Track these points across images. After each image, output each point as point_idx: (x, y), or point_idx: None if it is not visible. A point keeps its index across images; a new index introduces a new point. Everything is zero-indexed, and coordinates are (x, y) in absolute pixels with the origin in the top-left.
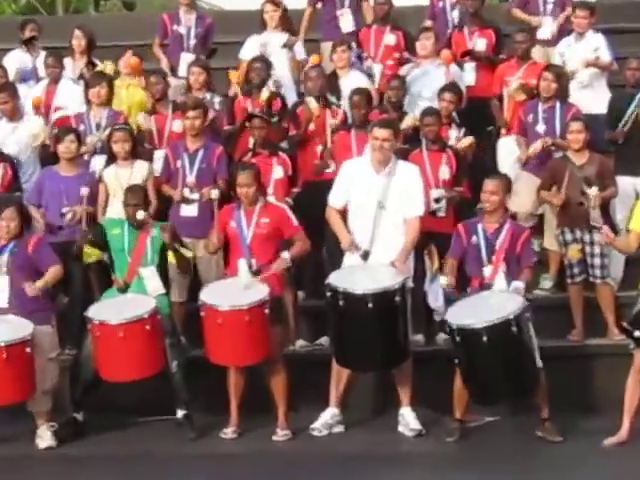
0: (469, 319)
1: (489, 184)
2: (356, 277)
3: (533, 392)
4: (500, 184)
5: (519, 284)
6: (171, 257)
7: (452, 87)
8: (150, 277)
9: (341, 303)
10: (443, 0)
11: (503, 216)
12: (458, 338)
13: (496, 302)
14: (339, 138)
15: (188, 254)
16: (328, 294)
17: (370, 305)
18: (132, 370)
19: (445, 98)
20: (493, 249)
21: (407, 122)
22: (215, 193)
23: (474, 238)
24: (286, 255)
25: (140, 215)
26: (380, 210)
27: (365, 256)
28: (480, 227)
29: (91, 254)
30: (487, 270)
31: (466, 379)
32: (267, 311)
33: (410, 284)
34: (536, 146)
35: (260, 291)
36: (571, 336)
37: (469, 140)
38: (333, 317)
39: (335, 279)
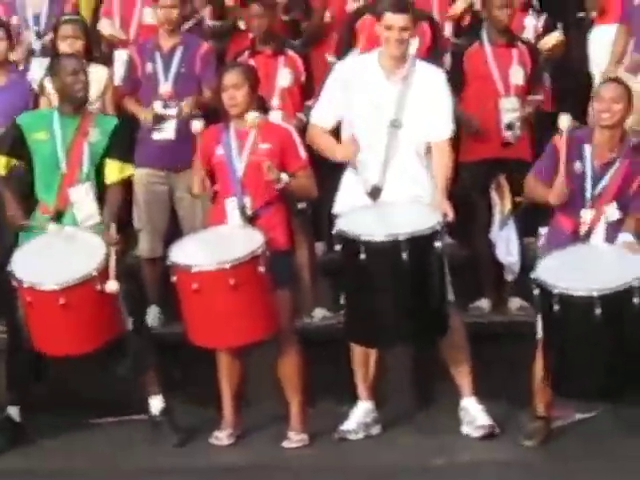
0: (575, 282)
1: (608, 88)
2: (376, 219)
3: None
4: (621, 92)
5: (628, 236)
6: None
7: None
8: (83, 199)
9: (362, 256)
10: None
11: (622, 143)
12: (557, 307)
13: (610, 261)
14: (364, 25)
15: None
16: (340, 246)
17: (404, 255)
18: (80, 342)
19: None
20: (600, 185)
21: (457, 8)
22: (197, 125)
23: (577, 164)
24: (285, 176)
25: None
26: (394, 130)
27: (374, 193)
28: (588, 150)
29: None
30: (587, 213)
31: (555, 364)
32: (262, 269)
33: (449, 219)
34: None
35: (252, 241)
36: None
37: (555, 37)
38: (349, 275)
39: (347, 224)
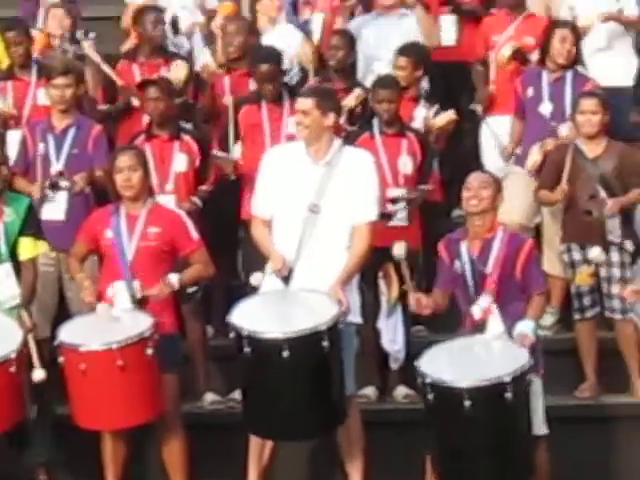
0: (449, 373)
1: (476, 178)
2: (271, 311)
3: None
4: (489, 180)
5: (526, 326)
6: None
7: (411, 48)
8: (3, 280)
9: (246, 350)
10: None
11: (492, 226)
12: (430, 396)
13: (490, 353)
14: (245, 114)
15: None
16: (232, 335)
17: (285, 354)
18: None
19: (400, 64)
20: (483, 277)
21: (349, 101)
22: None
23: (457, 264)
24: (173, 278)
25: None
26: (312, 214)
27: (286, 278)
28: (464, 247)
29: None
30: (476, 308)
31: (436, 451)
32: (150, 351)
33: (356, 319)
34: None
35: (140, 323)
36: (580, 392)
37: (448, 116)
38: (240, 368)
39: (239, 315)
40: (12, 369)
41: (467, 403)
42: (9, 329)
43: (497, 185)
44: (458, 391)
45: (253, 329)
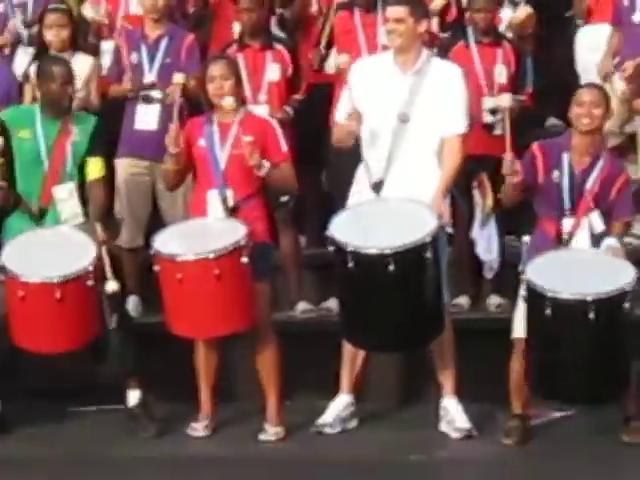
0: (566, 285)
1: (587, 93)
2: (369, 222)
3: (621, 395)
4: (601, 97)
5: (613, 242)
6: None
7: None
8: (67, 199)
9: (350, 265)
10: None
11: (599, 147)
12: (548, 311)
13: (598, 265)
14: (339, 20)
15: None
16: (332, 250)
17: (391, 267)
18: (68, 338)
19: None
20: (581, 192)
21: (436, 4)
22: (176, 89)
23: (555, 173)
24: (266, 163)
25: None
26: (402, 124)
27: (377, 187)
28: (566, 158)
29: None
30: (568, 222)
31: (539, 365)
32: (245, 260)
33: (448, 229)
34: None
35: (235, 233)
36: None
37: (525, 11)
38: (341, 282)
39: (340, 229)
40: (89, 282)
41: (591, 315)
42: (83, 243)
43: (608, 102)
44: (583, 304)
45: (358, 244)
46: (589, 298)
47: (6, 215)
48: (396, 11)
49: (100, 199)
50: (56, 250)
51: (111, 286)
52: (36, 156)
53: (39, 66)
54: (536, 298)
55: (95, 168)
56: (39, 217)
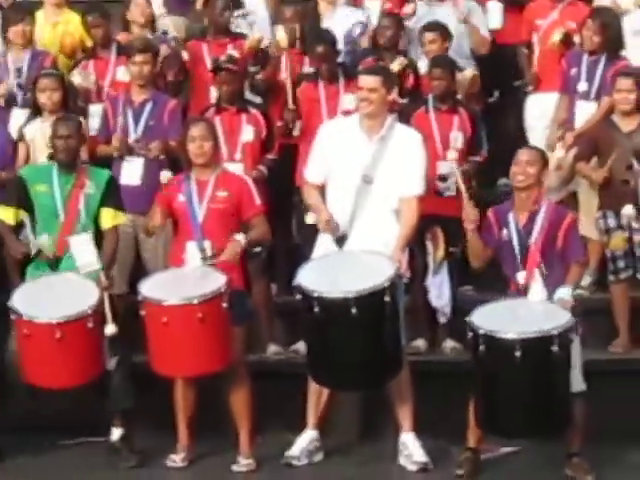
0: (501, 326)
1: (524, 154)
2: (333, 271)
3: (563, 430)
4: (536, 156)
5: (565, 293)
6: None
7: (434, 26)
8: (83, 248)
9: (316, 310)
10: None
11: (537, 199)
12: (482, 347)
13: (535, 312)
14: (304, 90)
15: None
16: (299, 297)
17: (353, 311)
18: (69, 375)
19: (427, 39)
20: (527, 246)
21: (394, 66)
22: (165, 175)
23: (504, 232)
24: (240, 237)
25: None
26: (365, 185)
27: (340, 240)
28: (512, 217)
29: (6, 217)
30: (521, 275)
31: (482, 403)
32: (225, 305)
33: (405, 279)
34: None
35: (215, 281)
36: (613, 347)
37: (470, 72)
38: (307, 326)
39: (306, 278)
40: (89, 324)
41: (518, 353)
42: (87, 289)
43: (544, 161)
44: (510, 342)
45: (321, 290)
46: (516, 337)
47: (28, 263)
48: (370, 81)
49: (110, 247)
50: (62, 294)
51: (110, 329)
52: (52, 208)
53: (53, 124)
54: (475, 338)
55: (107, 218)
56: (55, 264)
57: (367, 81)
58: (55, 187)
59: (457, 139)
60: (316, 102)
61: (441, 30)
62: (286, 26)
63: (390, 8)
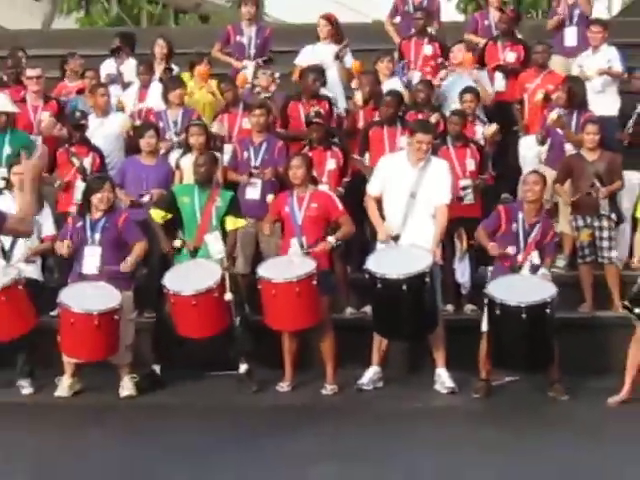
0: (510, 296)
1: (531, 176)
2: (391, 260)
3: (548, 366)
4: (540, 178)
5: (546, 271)
6: (234, 225)
7: (470, 89)
8: (214, 241)
9: (379, 286)
10: (488, 18)
11: (540, 210)
12: (498, 311)
13: (531, 285)
14: (373, 133)
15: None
16: (367, 276)
17: (404, 287)
18: (205, 328)
19: (466, 99)
20: (527, 239)
21: (432, 119)
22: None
23: (514, 225)
24: (331, 239)
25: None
26: (411, 199)
27: (396, 239)
28: (521, 216)
29: (156, 217)
30: (520, 256)
31: (495, 347)
32: (315, 282)
33: (440, 263)
34: (552, 116)
35: (308, 265)
36: (581, 309)
37: (494, 127)
38: (372, 296)
39: (373, 263)
40: (215, 294)
41: (524, 316)
42: (214, 270)
43: (544, 181)
44: (519, 308)
45: (382, 272)
46: (520, 304)
47: (179, 252)
48: (427, 138)
49: (230, 243)
50: (197, 274)
51: (228, 296)
52: (192, 214)
53: (196, 157)
54: (490, 303)
55: (229, 223)
56: (194, 253)
57: (425, 137)
58: (195, 200)
59: (470, 164)
60: (380, 142)
61: (475, 92)
62: (362, 90)
63: (425, 73)
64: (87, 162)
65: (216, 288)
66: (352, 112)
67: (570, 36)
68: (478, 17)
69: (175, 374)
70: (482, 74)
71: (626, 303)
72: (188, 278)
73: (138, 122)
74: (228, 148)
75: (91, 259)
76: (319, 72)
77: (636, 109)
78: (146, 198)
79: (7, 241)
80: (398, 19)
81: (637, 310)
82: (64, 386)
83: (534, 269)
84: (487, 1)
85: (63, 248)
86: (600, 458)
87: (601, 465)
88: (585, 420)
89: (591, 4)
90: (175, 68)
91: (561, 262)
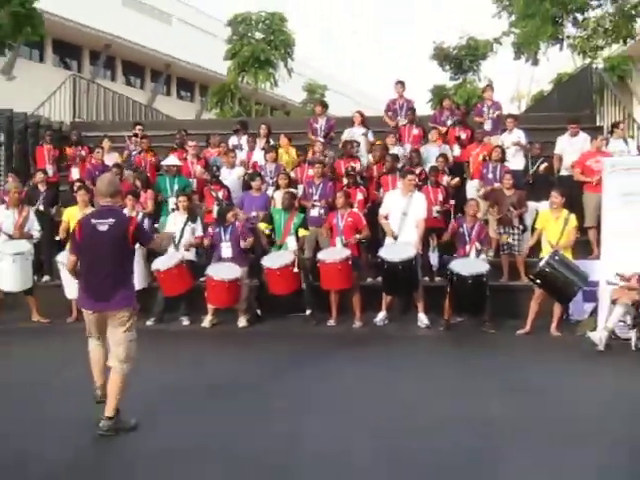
0: (463, 270)
1: (472, 201)
2: (393, 250)
3: (482, 311)
4: (476, 202)
5: (484, 256)
6: (303, 232)
7: (442, 155)
8: (292, 241)
9: (386, 266)
10: (444, 115)
11: (476, 220)
12: (455, 278)
13: (475, 264)
14: (383, 179)
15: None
16: (379, 260)
17: (400, 267)
18: (285, 288)
19: (439, 160)
20: (470, 236)
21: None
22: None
23: (461, 229)
24: (358, 236)
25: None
26: (404, 216)
27: (396, 238)
28: (464, 224)
29: (262, 227)
30: (467, 247)
31: (452, 299)
32: (350, 262)
33: (421, 252)
34: (485, 190)
35: (345, 253)
36: (502, 279)
37: (456, 180)
38: (382, 272)
39: (383, 252)
40: (291, 267)
41: (470, 281)
42: (288, 255)
43: (478, 205)
44: (467, 277)
45: (387, 258)
46: (468, 275)
47: (273, 246)
48: (413, 176)
49: (300, 242)
50: (281, 257)
51: (296, 269)
52: (280, 226)
53: (284, 192)
54: (451, 274)
55: (300, 232)
56: (279, 247)
57: (414, 178)
58: (282, 218)
59: (439, 197)
60: (386, 183)
61: (445, 156)
62: (375, 153)
63: (414, 145)
64: (220, 194)
65: (291, 264)
66: (370, 166)
67: (488, 125)
68: (437, 113)
69: (270, 315)
70: (447, 148)
71: (531, 277)
72: (277, 259)
73: (250, 171)
74: (300, 187)
75: (226, 250)
76: (354, 143)
77: (535, 165)
78: (253, 214)
79: (176, 239)
80: (390, 113)
81: (538, 281)
82: (207, 321)
83: (477, 254)
84: (442, 104)
85: (206, 243)
86: (512, 363)
87: (511, 367)
88: (504, 344)
89: (501, 109)
90: (271, 141)
91: (490, 253)
